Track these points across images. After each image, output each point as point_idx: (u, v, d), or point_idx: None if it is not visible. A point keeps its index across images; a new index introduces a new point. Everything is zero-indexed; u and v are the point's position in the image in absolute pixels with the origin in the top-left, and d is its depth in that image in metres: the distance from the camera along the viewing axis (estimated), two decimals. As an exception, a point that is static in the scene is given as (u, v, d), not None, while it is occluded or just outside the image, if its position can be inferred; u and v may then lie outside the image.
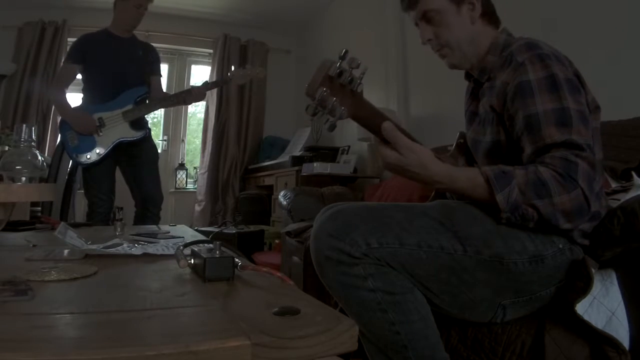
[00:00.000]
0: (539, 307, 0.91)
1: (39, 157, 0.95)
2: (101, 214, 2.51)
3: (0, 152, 2.51)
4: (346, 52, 0.78)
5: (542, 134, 0.86)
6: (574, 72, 0.93)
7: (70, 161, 2.98)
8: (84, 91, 2.59)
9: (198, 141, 4.78)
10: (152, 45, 2.77)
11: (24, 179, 0.91)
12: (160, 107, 2.80)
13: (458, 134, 1.18)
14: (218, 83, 2.90)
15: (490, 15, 1.05)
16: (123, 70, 2.54)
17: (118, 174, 2.66)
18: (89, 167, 2.51)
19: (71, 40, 4.10)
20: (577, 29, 1.83)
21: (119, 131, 2.50)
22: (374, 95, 3.20)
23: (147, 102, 2.62)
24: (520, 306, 0.90)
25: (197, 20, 4.46)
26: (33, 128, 0.97)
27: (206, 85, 2.63)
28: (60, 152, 2.82)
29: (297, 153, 3.60)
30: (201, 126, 4.69)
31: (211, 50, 4.63)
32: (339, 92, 0.79)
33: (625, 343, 0.82)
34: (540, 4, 2.05)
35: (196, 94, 2.58)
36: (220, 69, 4.50)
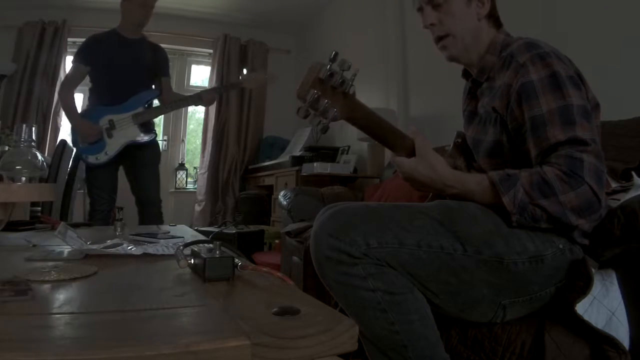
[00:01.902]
0: (539, 307, 0.91)
1: (39, 157, 0.95)
2: (102, 212, 2.54)
3: (0, 152, 2.51)
4: (336, 54, 0.78)
5: (547, 135, 0.87)
6: (574, 70, 0.94)
7: (71, 161, 2.99)
8: (91, 91, 2.61)
9: (198, 141, 4.78)
10: (161, 47, 2.77)
11: (24, 179, 0.91)
12: (170, 111, 2.82)
13: (455, 133, 1.18)
14: (228, 87, 2.87)
15: (494, 19, 1.06)
16: (132, 72, 2.55)
17: (121, 173, 2.68)
18: (93, 169, 2.54)
19: (71, 40, 4.12)
20: (577, 28, 1.83)
21: (128, 133, 2.53)
22: (374, 95, 3.20)
23: (157, 105, 2.65)
24: (520, 306, 0.90)
25: (197, 20, 4.46)
26: (33, 128, 0.97)
27: (217, 90, 2.63)
28: (61, 152, 2.82)
29: (297, 153, 3.60)
30: (201, 126, 4.68)
31: (211, 50, 4.62)
32: (330, 94, 0.79)
33: (625, 343, 0.82)
34: (540, 3, 2.05)
35: (207, 99, 2.60)
36: (220, 69, 4.49)
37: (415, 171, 0.93)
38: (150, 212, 2.63)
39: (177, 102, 2.63)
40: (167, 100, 2.67)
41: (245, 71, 2.62)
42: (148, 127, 2.61)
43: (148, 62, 2.62)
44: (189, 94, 2.69)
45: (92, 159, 2.51)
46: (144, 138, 2.58)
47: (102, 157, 2.51)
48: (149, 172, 2.65)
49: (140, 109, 2.55)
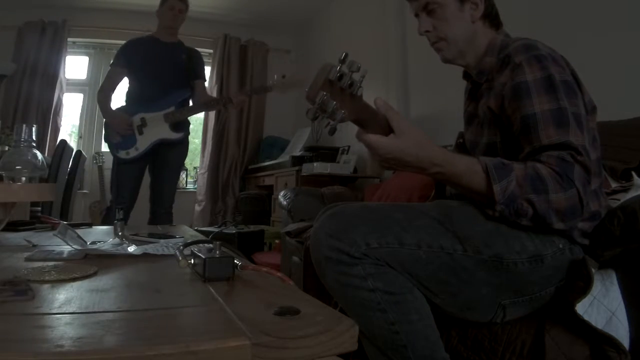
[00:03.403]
0: (539, 307, 0.91)
1: (39, 157, 0.95)
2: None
3: (0, 152, 2.51)
4: (346, 55, 0.78)
5: (539, 135, 0.86)
6: (570, 72, 0.93)
7: (71, 161, 3.00)
8: (127, 93, 2.69)
9: (198, 141, 4.78)
10: (196, 50, 2.81)
11: (24, 179, 0.91)
12: (201, 111, 2.85)
13: (458, 133, 1.18)
14: (258, 90, 2.84)
15: (491, 18, 1.05)
16: (165, 73, 2.59)
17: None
18: (121, 164, 2.58)
19: (71, 40, 4.13)
20: (578, 28, 1.83)
21: (159, 131, 2.57)
22: (374, 95, 3.19)
23: (189, 105, 2.69)
24: (520, 306, 0.90)
25: (197, 20, 4.44)
26: (33, 128, 0.97)
27: (247, 92, 2.66)
28: (61, 152, 2.83)
29: (297, 153, 3.60)
30: (201, 126, 4.68)
31: (211, 50, 4.62)
32: (339, 95, 0.79)
33: (625, 343, 0.82)
34: (541, 3, 2.05)
35: (238, 102, 2.58)
36: (220, 69, 4.50)
37: (401, 151, 0.83)
38: (159, 212, 2.67)
39: (208, 102, 2.68)
40: (200, 101, 2.72)
41: (275, 76, 2.57)
42: (179, 126, 2.64)
43: (182, 64, 2.66)
44: (218, 96, 2.71)
45: (122, 154, 2.57)
46: (174, 136, 2.62)
47: (133, 152, 2.57)
48: (169, 174, 2.71)
49: (172, 109, 2.59)
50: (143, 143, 2.57)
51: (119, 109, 2.66)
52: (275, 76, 2.53)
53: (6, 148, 2.53)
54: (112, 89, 2.67)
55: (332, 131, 0.81)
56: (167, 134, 2.59)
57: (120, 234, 1.29)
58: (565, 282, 0.88)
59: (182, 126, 2.66)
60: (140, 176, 2.67)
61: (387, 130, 0.84)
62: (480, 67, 1.05)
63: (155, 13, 2.65)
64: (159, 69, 2.58)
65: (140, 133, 2.57)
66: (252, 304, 0.60)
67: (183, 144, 2.73)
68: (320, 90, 0.77)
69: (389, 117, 0.84)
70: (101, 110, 2.72)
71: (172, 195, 2.75)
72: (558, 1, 1.97)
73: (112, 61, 2.71)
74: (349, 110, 0.80)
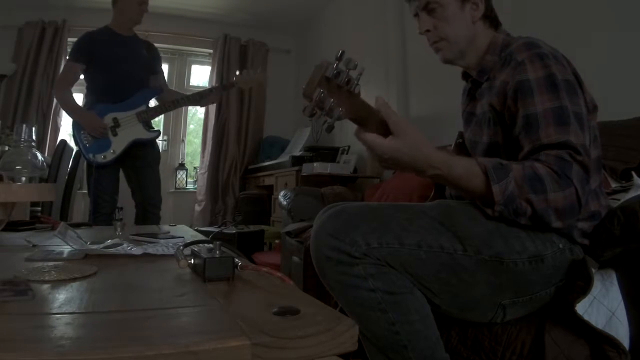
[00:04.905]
0: (539, 307, 0.91)
1: (39, 157, 0.95)
2: (104, 215, 2.52)
3: (0, 152, 2.51)
4: (342, 53, 0.78)
5: (539, 134, 0.86)
6: (572, 71, 0.93)
7: (71, 161, 2.99)
8: (89, 91, 2.58)
9: (198, 141, 4.78)
10: (152, 43, 2.77)
11: (24, 179, 0.91)
12: (173, 109, 2.81)
13: (457, 133, 1.18)
14: (225, 87, 2.91)
15: (491, 19, 1.05)
16: (132, 69, 2.53)
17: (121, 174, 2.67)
18: (99, 167, 2.50)
19: (71, 40, 4.10)
20: (578, 28, 1.83)
21: (134, 131, 2.51)
22: (374, 95, 3.19)
23: (160, 103, 2.65)
24: (520, 306, 0.90)
25: (197, 20, 4.46)
26: (33, 128, 0.96)
27: (214, 90, 2.67)
28: (61, 152, 2.82)
29: (297, 153, 3.60)
30: (201, 126, 4.69)
31: (211, 50, 4.63)
32: (336, 93, 0.79)
33: (625, 343, 0.82)
34: (541, 3, 2.05)
35: (209, 99, 2.62)
36: (220, 69, 4.50)
37: (398, 152, 0.83)
38: (152, 213, 2.62)
39: (180, 100, 2.64)
40: (163, 97, 2.68)
41: (238, 72, 2.62)
42: (150, 125, 2.61)
43: (145, 59, 2.62)
44: (189, 94, 2.70)
45: (99, 158, 2.46)
46: (150, 135, 2.58)
47: (110, 156, 2.47)
48: (151, 173, 2.64)
49: (143, 107, 2.54)
50: (119, 145, 2.48)
51: (88, 109, 2.55)
52: (238, 72, 2.55)
53: (6, 148, 2.53)
54: (71, 85, 2.55)
55: (330, 129, 0.81)
56: (143, 133, 2.53)
57: (120, 234, 1.29)
58: (565, 282, 0.88)
59: (151, 125, 2.63)
60: (118, 177, 2.61)
61: (386, 128, 0.84)
62: (481, 66, 1.05)
63: (116, 4, 2.52)
64: (124, 65, 2.50)
65: (115, 134, 2.48)
66: (252, 304, 0.60)
67: (154, 143, 2.69)
68: (317, 87, 0.77)
69: (386, 117, 0.84)
70: (67, 109, 2.58)
71: (159, 192, 2.70)
72: (559, 1, 1.97)
73: (68, 55, 2.58)
74: (346, 108, 0.80)
